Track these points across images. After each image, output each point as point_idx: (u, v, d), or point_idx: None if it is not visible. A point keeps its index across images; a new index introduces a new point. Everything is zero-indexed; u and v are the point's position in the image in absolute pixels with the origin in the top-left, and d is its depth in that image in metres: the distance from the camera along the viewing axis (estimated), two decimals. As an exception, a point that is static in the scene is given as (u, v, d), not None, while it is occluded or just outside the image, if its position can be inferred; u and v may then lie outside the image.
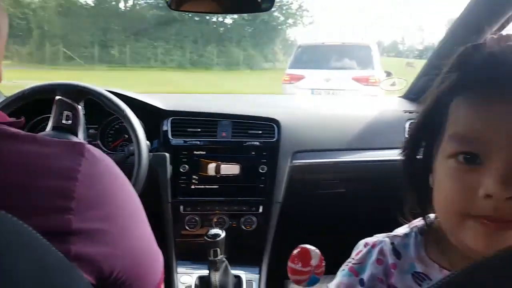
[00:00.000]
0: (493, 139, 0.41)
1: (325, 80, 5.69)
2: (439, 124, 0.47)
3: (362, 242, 0.58)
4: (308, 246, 0.47)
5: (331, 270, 0.55)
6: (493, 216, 0.40)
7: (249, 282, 1.14)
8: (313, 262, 0.46)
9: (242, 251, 1.20)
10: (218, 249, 1.01)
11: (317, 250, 0.47)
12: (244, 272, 1.16)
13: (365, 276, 0.54)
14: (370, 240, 0.57)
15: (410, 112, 1.37)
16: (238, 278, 1.14)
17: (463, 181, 0.43)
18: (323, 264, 0.46)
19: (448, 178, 0.44)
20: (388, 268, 0.53)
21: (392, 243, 0.54)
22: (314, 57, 6.29)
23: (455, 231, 0.45)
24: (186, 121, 1.23)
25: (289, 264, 0.46)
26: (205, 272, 1.11)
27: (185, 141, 1.21)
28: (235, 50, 19.67)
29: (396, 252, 0.53)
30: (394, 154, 1.24)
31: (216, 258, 1.01)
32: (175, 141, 1.21)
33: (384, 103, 1.57)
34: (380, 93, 2.68)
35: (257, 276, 1.16)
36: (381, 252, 0.54)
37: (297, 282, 0.45)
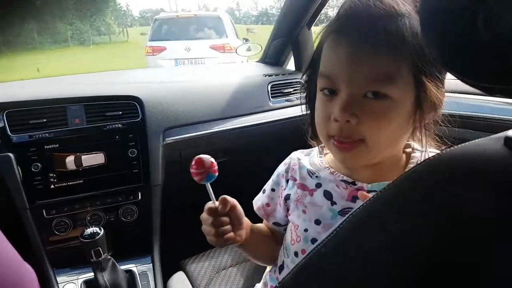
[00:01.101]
0: (340, 76, 0.53)
1: (186, 50, 6.07)
2: (318, 65, 0.57)
3: None
4: (202, 155, 0.60)
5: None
6: (340, 135, 0.54)
7: (142, 273, 1.08)
8: (206, 165, 0.59)
9: (128, 244, 1.12)
10: (100, 248, 0.92)
11: (211, 158, 0.60)
12: (135, 265, 1.09)
13: (274, 176, 0.74)
14: None
15: (269, 75, 1.44)
16: (130, 272, 1.07)
17: (325, 109, 0.56)
18: (215, 164, 0.60)
19: (319, 108, 0.58)
20: (290, 167, 0.70)
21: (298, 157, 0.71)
22: (172, 29, 6.65)
23: (328, 149, 0.61)
24: (25, 112, 1.05)
25: (190, 170, 0.60)
26: (90, 275, 1.01)
27: (30, 136, 1.04)
28: (60, 25, 17.34)
29: (299, 159, 0.70)
30: (261, 118, 1.30)
31: (100, 258, 0.92)
32: (17, 138, 1.03)
33: (244, 69, 1.61)
34: (238, 60, 2.79)
35: (150, 265, 1.10)
36: (289, 158, 0.72)
37: (199, 180, 0.60)
